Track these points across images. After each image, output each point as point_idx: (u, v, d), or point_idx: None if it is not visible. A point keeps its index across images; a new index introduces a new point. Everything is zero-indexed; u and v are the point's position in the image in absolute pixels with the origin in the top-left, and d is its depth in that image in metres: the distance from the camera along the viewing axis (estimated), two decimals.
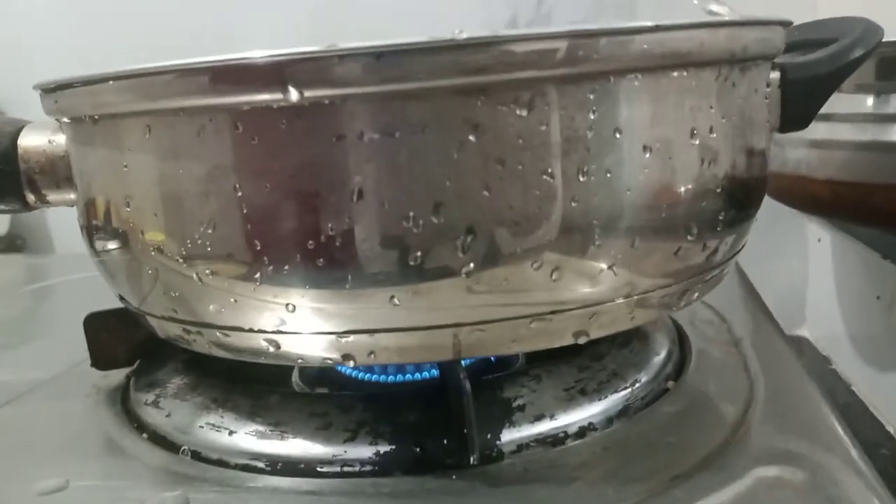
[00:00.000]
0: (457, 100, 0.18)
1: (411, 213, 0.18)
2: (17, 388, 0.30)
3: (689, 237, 0.21)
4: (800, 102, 0.29)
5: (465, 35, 0.17)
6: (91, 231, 0.25)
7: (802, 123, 0.30)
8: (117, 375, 0.29)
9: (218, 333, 0.21)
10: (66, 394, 0.29)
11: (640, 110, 0.20)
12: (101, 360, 0.29)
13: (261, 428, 0.23)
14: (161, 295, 0.22)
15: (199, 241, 0.20)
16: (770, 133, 0.27)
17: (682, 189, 0.21)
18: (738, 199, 0.23)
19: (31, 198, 0.26)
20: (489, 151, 0.18)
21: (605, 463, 0.21)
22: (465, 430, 0.20)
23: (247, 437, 0.23)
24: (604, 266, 0.20)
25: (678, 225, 0.21)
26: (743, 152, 0.23)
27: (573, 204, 0.19)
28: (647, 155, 0.20)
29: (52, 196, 0.26)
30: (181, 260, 0.21)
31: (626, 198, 0.20)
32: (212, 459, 0.23)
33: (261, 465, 0.22)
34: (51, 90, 0.22)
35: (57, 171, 0.25)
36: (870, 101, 0.38)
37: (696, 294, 0.24)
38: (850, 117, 0.38)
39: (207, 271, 0.20)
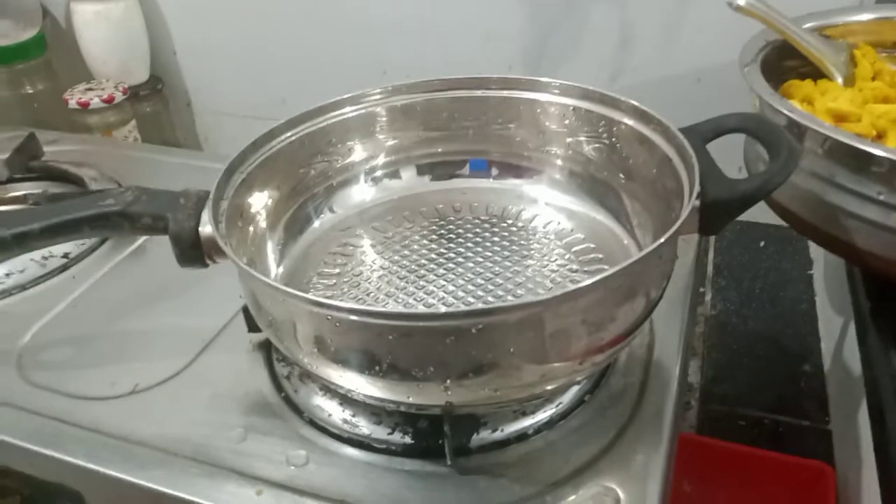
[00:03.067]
0: (449, 324, 0.33)
1: (427, 366, 0.35)
2: (201, 336, 0.49)
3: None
4: (716, 221, 0.41)
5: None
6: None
7: (717, 231, 0.42)
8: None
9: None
10: (233, 348, 0.48)
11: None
12: (253, 328, 0.48)
13: (346, 416, 0.42)
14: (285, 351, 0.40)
15: (310, 357, 0.37)
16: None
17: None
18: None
19: (208, 262, 0.43)
20: (467, 348, 0.34)
21: (524, 464, 0.39)
22: (444, 446, 0.39)
23: (339, 420, 0.42)
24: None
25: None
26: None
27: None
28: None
29: (221, 260, 0.43)
30: (304, 356, 0.38)
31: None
32: (320, 427, 0.42)
33: (345, 436, 0.41)
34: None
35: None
36: None
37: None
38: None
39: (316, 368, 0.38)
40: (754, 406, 0.60)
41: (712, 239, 0.77)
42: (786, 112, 0.47)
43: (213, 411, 0.44)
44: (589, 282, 0.33)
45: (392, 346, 0.34)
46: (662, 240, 0.36)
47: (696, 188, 0.39)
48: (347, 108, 0.51)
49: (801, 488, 0.51)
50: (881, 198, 0.43)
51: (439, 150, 0.53)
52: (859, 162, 0.44)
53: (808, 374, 0.63)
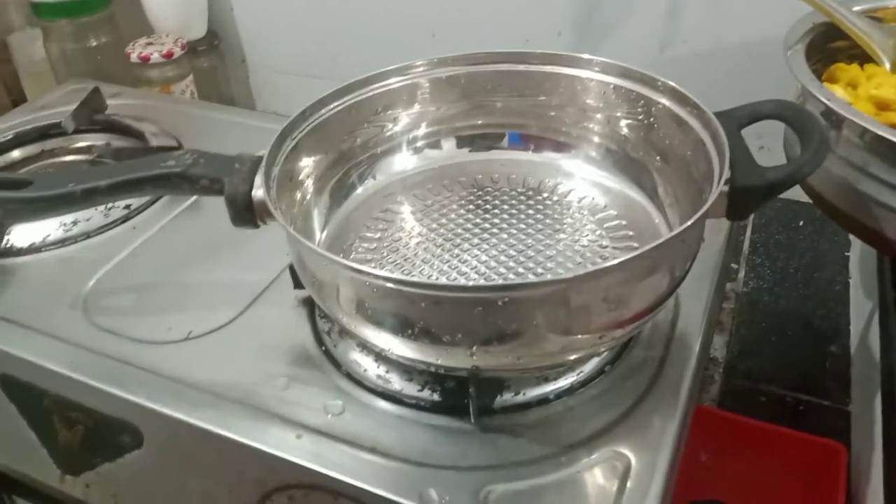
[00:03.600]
0: (474, 295, 0.36)
1: (456, 333, 0.37)
2: (251, 289, 0.53)
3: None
4: (744, 207, 0.42)
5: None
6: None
7: (745, 217, 0.44)
8: None
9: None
10: (279, 302, 0.52)
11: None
12: (298, 285, 0.51)
13: (380, 372, 0.45)
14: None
15: (349, 317, 0.40)
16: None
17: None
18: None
19: (259, 223, 0.46)
20: (493, 318, 0.36)
21: (543, 426, 0.42)
22: (470, 405, 0.41)
23: (374, 375, 0.45)
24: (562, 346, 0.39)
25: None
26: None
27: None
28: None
29: (270, 222, 0.46)
30: (343, 316, 0.41)
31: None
32: (356, 380, 0.45)
33: (379, 390, 0.45)
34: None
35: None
36: None
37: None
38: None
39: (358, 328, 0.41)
40: (777, 383, 0.61)
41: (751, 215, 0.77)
42: (824, 100, 0.47)
43: (260, 360, 0.47)
44: (611, 263, 0.35)
45: (424, 312, 0.37)
46: (689, 223, 0.38)
47: (726, 174, 0.40)
48: (393, 79, 0.53)
49: (813, 465, 0.53)
50: None
51: (479, 122, 0.55)
52: (894, 154, 0.44)
53: (835, 354, 0.64)
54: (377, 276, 0.36)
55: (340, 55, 0.95)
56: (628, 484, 0.38)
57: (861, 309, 0.65)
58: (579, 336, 0.38)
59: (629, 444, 0.41)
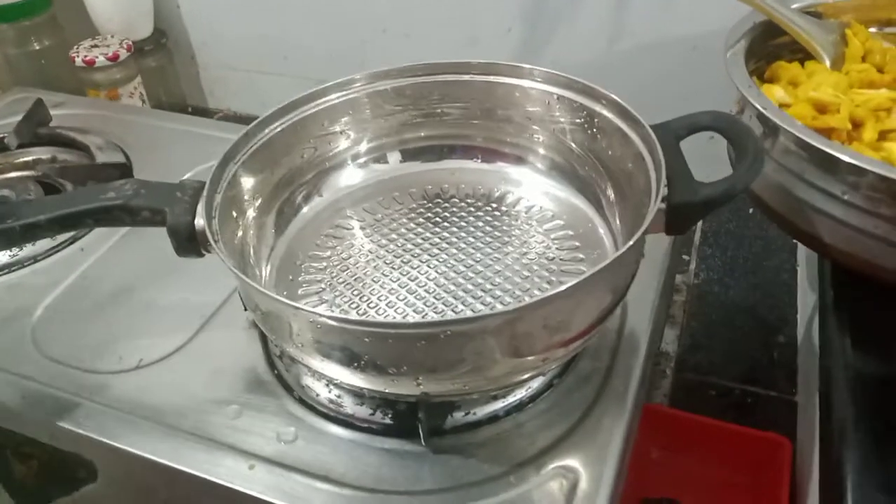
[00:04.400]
0: (415, 331, 0.36)
1: (402, 365, 0.38)
2: (202, 311, 0.53)
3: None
4: (681, 222, 0.43)
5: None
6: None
7: (682, 232, 0.44)
8: None
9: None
10: (231, 324, 0.52)
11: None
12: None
13: (332, 396, 0.46)
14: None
15: (295, 348, 0.40)
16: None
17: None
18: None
19: (203, 252, 0.45)
20: (436, 351, 0.37)
21: (493, 444, 0.43)
22: (420, 428, 0.42)
23: (325, 400, 0.46)
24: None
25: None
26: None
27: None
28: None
29: (213, 250, 0.45)
30: (290, 347, 0.41)
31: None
32: (308, 405, 0.46)
33: (331, 415, 0.45)
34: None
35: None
36: None
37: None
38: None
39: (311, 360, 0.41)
40: (727, 376, 0.63)
41: None
42: (759, 108, 0.48)
43: (212, 387, 0.47)
44: (550, 293, 0.36)
45: (369, 347, 0.37)
46: (630, 244, 0.38)
47: (662, 192, 0.41)
48: (334, 95, 0.52)
49: (759, 458, 0.55)
50: (846, 197, 0.45)
51: (423, 133, 0.55)
52: (828, 161, 0.45)
53: (782, 344, 0.66)
54: (319, 315, 0.36)
55: (291, 50, 0.93)
56: (576, 500, 0.40)
57: (807, 298, 0.67)
58: (524, 359, 0.39)
59: (577, 458, 0.42)
